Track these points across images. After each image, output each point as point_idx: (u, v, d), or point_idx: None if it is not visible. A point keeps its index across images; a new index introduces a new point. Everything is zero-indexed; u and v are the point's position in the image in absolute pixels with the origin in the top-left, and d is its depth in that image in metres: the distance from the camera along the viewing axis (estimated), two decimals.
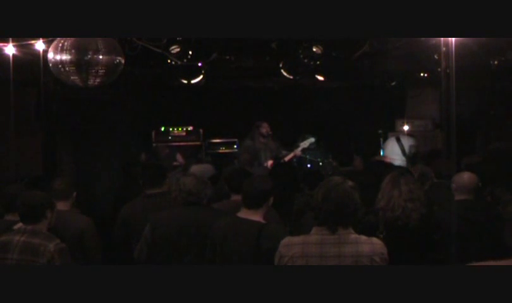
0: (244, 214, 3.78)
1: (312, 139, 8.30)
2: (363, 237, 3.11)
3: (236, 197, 4.46)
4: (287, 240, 3.20)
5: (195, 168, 6.90)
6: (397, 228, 3.94)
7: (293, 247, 3.11)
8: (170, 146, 9.16)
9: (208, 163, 7.48)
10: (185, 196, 4.17)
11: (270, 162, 7.72)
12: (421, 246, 4.01)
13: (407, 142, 9.06)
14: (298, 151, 8.20)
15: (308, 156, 8.76)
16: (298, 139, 9.06)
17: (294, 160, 8.37)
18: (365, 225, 3.61)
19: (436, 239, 4.08)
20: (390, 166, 5.91)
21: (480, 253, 4.00)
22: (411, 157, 8.40)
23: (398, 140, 9.08)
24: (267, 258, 3.38)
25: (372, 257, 3.04)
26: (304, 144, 8.24)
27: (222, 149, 9.95)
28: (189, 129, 9.94)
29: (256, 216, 3.74)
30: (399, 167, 6.38)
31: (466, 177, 4.49)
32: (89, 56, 4.78)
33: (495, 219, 4.36)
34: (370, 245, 3.08)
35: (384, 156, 8.85)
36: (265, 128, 8.10)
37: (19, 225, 3.83)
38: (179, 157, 8.58)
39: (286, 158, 8.05)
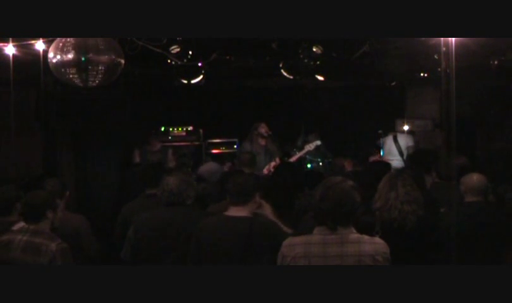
0: (231, 212, 3.80)
1: (318, 142, 8.31)
2: (366, 237, 3.11)
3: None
4: (289, 240, 3.21)
5: (203, 169, 6.91)
6: (393, 229, 3.94)
7: (295, 247, 3.12)
8: (164, 145, 9.14)
9: (215, 162, 7.48)
10: (167, 195, 4.13)
11: (272, 164, 7.66)
12: (418, 247, 4.00)
13: (404, 142, 9.05)
14: (302, 153, 8.23)
15: (308, 156, 8.77)
16: (298, 139, 9.09)
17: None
18: (361, 224, 3.61)
19: (433, 240, 4.07)
20: (389, 167, 5.89)
21: (492, 254, 4.02)
22: (408, 158, 8.39)
23: (395, 140, 9.07)
24: (258, 249, 3.40)
25: (375, 256, 3.04)
26: (310, 146, 8.25)
27: (222, 149, 9.95)
28: (189, 129, 9.94)
29: (243, 213, 3.76)
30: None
31: (475, 178, 4.47)
32: (89, 56, 4.78)
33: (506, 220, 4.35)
34: (373, 245, 3.08)
35: (382, 156, 8.85)
36: (263, 128, 8.08)
37: (21, 224, 3.83)
38: (169, 155, 8.56)
39: (292, 159, 8.07)
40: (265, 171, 7.54)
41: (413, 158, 7.11)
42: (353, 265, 3.01)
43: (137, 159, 8.50)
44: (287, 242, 3.19)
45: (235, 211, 3.79)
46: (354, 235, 3.09)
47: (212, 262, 3.69)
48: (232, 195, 3.83)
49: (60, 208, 4.35)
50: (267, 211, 4.00)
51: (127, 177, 7.21)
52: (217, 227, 3.77)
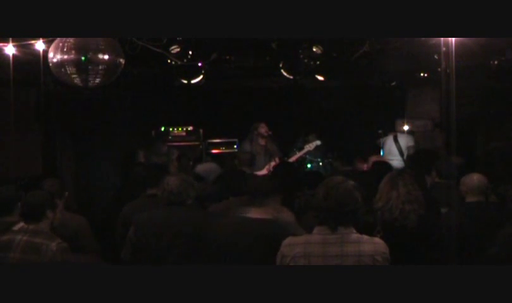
0: (250, 213, 3.76)
1: (318, 142, 8.34)
2: (365, 237, 3.12)
3: (234, 199, 4.45)
4: (289, 239, 3.20)
5: (201, 168, 6.91)
6: (394, 229, 3.94)
7: (295, 247, 3.12)
8: (169, 145, 9.15)
9: (213, 163, 7.48)
10: (167, 195, 4.13)
11: (272, 164, 7.67)
12: (419, 247, 4.01)
13: (405, 142, 9.05)
14: (302, 153, 8.25)
15: (308, 156, 8.78)
16: (299, 139, 9.09)
17: None
18: (362, 224, 3.62)
19: (434, 240, 4.07)
20: (390, 167, 5.90)
21: (496, 254, 4.01)
22: (409, 158, 8.39)
23: (396, 140, 9.07)
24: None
25: (374, 256, 3.04)
26: (310, 146, 8.27)
27: (222, 149, 9.95)
28: (189, 129, 9.95)
29: (263, 214, 3.71)
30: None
31: (475, 178, 4.47)
32: (89, 56, 4.77)
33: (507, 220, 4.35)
34: (372, 245, 3.09)
35: (382, 156, 8.85)
36: (263, 128, 8.09)
37: (21, 224, 3.83)
38: (174, 154, 8.57)
39: (292, 159, 8.07)
40: (265, 171, 7.54)
41: (413, 158, 7.12)
42: (352, 265, 3.01)
43: (141, 159, 8.50)
44: (287, 241, 3.19)
45: (255, 213, 3.73)
46: (354, 235, 3.09)
47: (228, 262, 3.65)
48: (251, 196, 3.81)
49: (60, 208, 4.35)
50: (287, 213, 3.98)
51: (128, 177, 7.21)
52: (235, 228, 3.70)
